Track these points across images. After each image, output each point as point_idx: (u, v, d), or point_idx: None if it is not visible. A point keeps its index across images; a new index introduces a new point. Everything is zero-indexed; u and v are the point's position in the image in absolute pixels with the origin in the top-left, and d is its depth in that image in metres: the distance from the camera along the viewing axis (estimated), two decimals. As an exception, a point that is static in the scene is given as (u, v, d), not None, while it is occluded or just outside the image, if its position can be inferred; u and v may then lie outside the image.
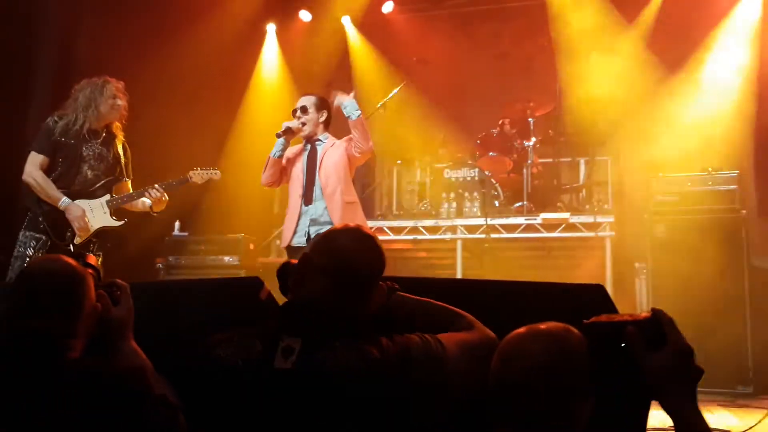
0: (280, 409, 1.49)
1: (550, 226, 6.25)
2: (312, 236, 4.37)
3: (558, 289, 2.35)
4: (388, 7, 8.12)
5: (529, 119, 6.91)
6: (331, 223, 4.36)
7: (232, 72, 7.80)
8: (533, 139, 6.83)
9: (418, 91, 7.56)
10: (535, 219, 6.29)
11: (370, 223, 6.47)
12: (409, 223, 6.66)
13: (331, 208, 4.42)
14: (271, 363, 1.52)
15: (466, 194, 6.67)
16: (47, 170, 4.19)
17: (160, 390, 1.69)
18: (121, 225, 4.34)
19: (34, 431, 1.54)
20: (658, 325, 1.42)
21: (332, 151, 4.57)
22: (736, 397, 4.88)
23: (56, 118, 4.24)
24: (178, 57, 6.74)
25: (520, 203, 6.66)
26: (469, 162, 6.87)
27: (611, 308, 2.01)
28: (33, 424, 1.53)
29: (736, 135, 6.24)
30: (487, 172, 6.68)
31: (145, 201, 4.44)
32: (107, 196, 4.31)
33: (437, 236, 6.57)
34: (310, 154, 4.60)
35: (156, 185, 4.36)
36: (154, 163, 5.37)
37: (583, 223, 6.16)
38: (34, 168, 4.14)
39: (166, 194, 4.38)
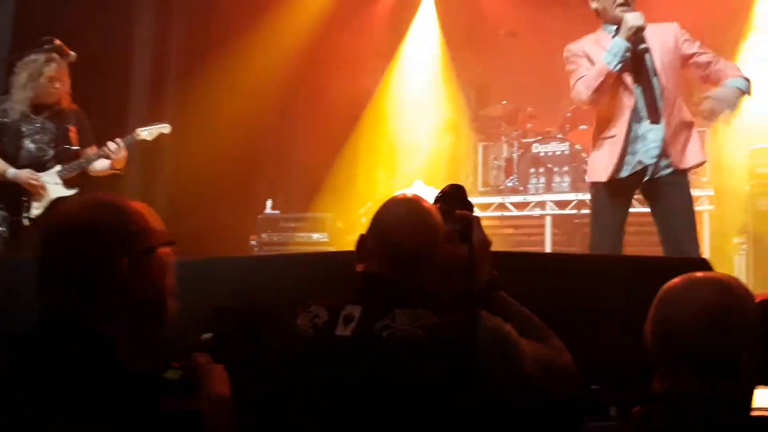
0: (341, 375, 1.55)
1: (644, 200, 6.03)
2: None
3: (660, 263, 2.30)
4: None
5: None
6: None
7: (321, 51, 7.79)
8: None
9: (506, 65, 7.42)
10: (629, 194, 6.09)
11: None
12: (496, 200, 6.59)
13: (668, 131, 3.65)
14: (332, 330, 1.59)
15: (556, 169, 6.53)
16: None
17: None
18: (74, 194, 4.10)
19: None
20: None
21: (665, 40, 3.63)
22: None
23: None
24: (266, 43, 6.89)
25: (612, 177, 6.47)
26: (559, 136, 6.73)
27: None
28: None
29: None
30: (578, 146, 6.53)
31: (104, 162, 4.19)
32: (58, 167, 4.13)
33: (525, 212, 6.48)
34: (636, 53, 3.55)
35: (110, 141, 4.12)
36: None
37: (680, 198, 5.92)
38: None
39: (124, 149, 4.10)
